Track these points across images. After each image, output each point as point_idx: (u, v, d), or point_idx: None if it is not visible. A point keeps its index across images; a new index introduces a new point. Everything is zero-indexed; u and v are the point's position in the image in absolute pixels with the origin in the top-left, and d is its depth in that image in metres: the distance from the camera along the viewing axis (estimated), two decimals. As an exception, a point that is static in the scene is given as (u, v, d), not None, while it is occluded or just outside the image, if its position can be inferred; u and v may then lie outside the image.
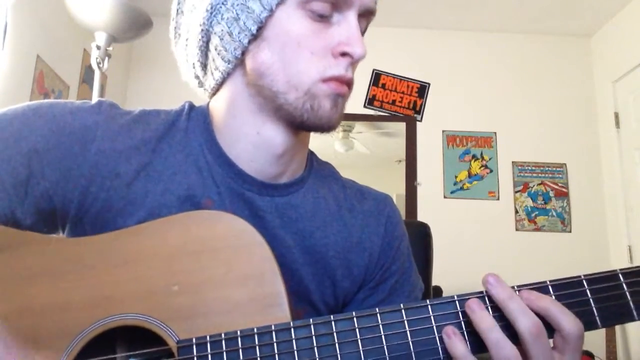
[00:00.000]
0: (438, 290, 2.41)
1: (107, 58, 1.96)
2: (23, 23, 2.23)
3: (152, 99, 3.15)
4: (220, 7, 0.57)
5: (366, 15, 0.60)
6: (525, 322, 0.46)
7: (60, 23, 2.45)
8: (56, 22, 2.46)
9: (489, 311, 0.48)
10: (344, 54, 0.56)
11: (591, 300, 0.49)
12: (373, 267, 0.68)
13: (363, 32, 0.61)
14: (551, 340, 0.47)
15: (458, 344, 0.47)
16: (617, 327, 2.95)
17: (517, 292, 0.48)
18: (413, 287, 0.72)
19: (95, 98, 2.10)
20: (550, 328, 0.47)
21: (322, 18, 0.56)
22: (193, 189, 0.60)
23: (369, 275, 0.68)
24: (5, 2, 2.10)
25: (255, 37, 0.57)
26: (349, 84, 0.58)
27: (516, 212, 3.24)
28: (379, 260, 0.68)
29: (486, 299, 0.49)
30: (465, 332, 0.48)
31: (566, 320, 0.46)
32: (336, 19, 0.57)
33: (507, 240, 3.18)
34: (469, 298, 0.49)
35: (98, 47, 1.92)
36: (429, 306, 0.49)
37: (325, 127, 0.58)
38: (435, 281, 1.41)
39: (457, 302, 0.49)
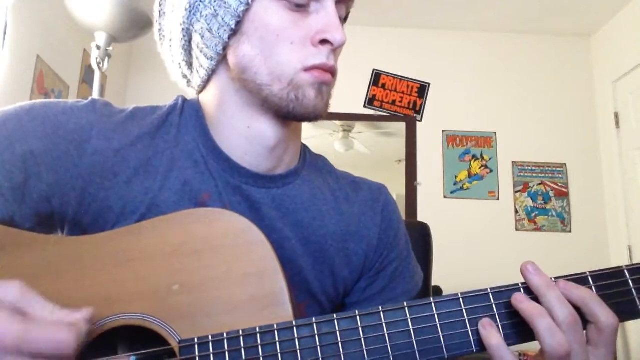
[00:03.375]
0: (438, 290, 2.40)
1: (107, 58, 1.96)
2: (23, 23, 2.23)
3: (152, 99, 3.13)
4: (199, 4, 0.57)
5: (345, 1, 0.59)
6: (563, 312, 0.46)
7: (60, 23, 2.44)
8: (56, 22, 2.45)
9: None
10: (324, 42, 0.56)
11: None
12: (372, 255, 0.68)
13: (345, 19, 0.61)
14: None
15: (495, 335, 0.47)
16: (618, 327, 2.95)
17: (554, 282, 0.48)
18: (413, 274, 0.72)
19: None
20: (584, 320, 0.47)
21: (300, 8, 0.56)
22: (190, 184, 0.60)
23: (368, 264, 0.68)
24: (5, 2, 2.10)
25: (234, 32, 0.57)
26: (332, 72, 0.58)
27: (516, 212, 3.24)
28: (378, 249, 0.69)
29: (491, 296, 0.49)
30: (470, 331, 0.48)
31: (604, 312, 0.46)
32: (314, 8, 0.57)
33: (507, 240, 3.18)
34: (472, 296, 0.49)
35: (98, 47, 1.92)
36: (433, 304, 0.49)
37: (312, 116, 0.58)
38: (435, 281, 1.40)
39: (461, 299, 0.49)
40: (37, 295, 0.42)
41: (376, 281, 0.69)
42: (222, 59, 0.60)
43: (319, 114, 0.58)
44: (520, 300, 0.48)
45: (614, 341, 0.46)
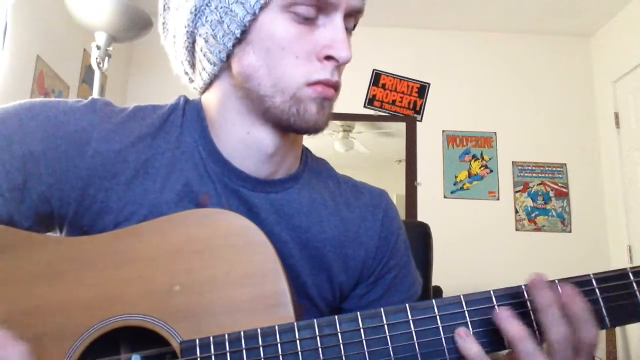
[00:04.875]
0: (438, 290, 2.40)
1: (107, 58, 1.95)
2: (23, 23, 2.23)
3: (152, 99, 3.10)
4: (205, 9, 0.57)
5: (354, 14, 0.59)
6: (558, 332, 0.45)
7: (60, 23, 2.44)
8: (56, 22, 2.45)
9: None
10: (329, 58, 0.56)
11: (600, 299, 0.48)
12: (370, 262, 0.68)
13: (353, 28, 0.61)
14: None
15: (472, 345, 0.47)
16: (618, 327, 2.96)
17: (559, 285, 0.48)
18: (412, 282, 0.72)
19: (95, 98, 2.09)
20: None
21: (307, 21, 0.55)
22: (190, 185, 0.60)
23: (366, 270, 0.68)
24: (5, 2, 2.10)
25: (239, 40, 0.56)
26: (335, 87, 0.58)
27: (516, 212, 3.24)
28: (376, 256, 0.68)
29: (493, 298, 0.49)
30: (472, 334, 0.48)
31: (590, 333, 0.46)
32: (322, 21, 0.56)
33: (507, 240, 3.18)
34: (475, 298, 0.49)
35: (98, 47, 1.92)
36: (435, 306, 0.49)
37: (312, 130, 0.58)
38: (435, 281, 1.40)
39: (463, 302, 0.49)
40: None
41: (374, 288, 0.69)
42: (226, 65, 0.60)
43: (319, 128, 0.58)
44: (502, 318, 0.46)
45: (591, 354, 0.46)
